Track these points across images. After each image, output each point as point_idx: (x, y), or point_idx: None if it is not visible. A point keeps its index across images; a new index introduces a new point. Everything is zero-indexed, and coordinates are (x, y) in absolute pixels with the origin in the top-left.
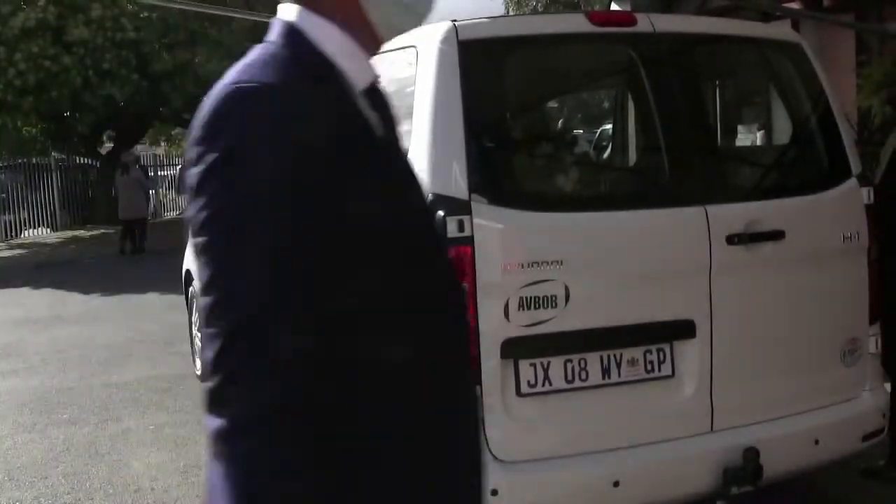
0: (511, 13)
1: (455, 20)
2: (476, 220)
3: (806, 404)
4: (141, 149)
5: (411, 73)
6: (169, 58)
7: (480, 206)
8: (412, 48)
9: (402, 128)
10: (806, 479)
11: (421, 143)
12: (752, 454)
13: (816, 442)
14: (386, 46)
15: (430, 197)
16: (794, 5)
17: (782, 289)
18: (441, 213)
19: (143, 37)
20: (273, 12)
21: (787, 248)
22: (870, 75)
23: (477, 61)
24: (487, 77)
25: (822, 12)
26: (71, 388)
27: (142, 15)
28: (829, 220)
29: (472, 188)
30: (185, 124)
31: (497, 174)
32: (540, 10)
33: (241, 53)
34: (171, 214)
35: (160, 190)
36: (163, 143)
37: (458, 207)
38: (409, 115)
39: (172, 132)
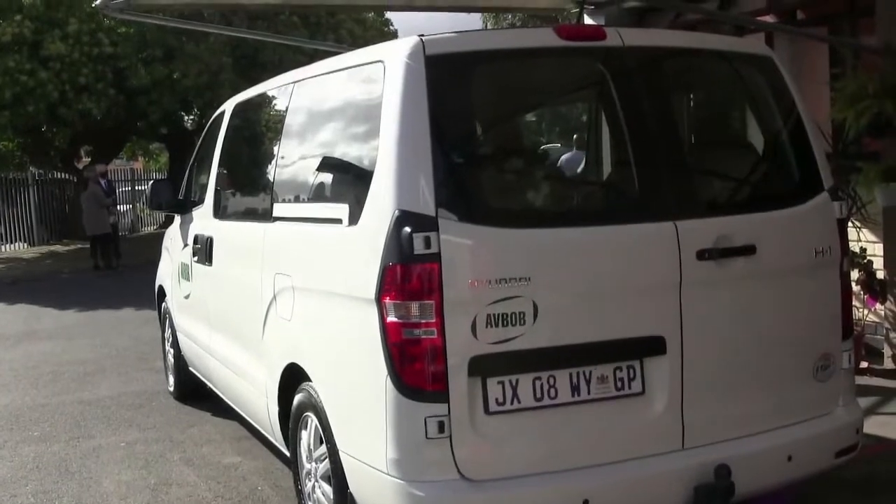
0: (489, 28)
1: (422, 35)
2: (443, 237)
3: (778, 420)
4: (119, 163)
5: (378, 88)
6: (146, 73)
7: (447, 223)
8: (379, 63)
9: (370, 144)
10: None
11: (388, 158)
12: (723, 471)
13: (789, 458)
14: (352, 61)
15: (396, 213)
16: (768, 19)
17: (753, 304)
18: (407, 229)
19: (120, 52)
20: (251, 27)
21: (759, 263)
22: (844, 88)
23: (444, 76)
24: (455, 92)
25: (795, 26)
26: (43, 405)
27: (119, 30)
28: (801, 235)
29: (439, 204)
30: (163, 139)
31: (464, 190)
32: (518, 25)
33: (219, 68)
34: (148, 229)
35: (137, 205)
36: (140, 158)
37: (425, 224)
38: (376, 130)
39: (150, 146)
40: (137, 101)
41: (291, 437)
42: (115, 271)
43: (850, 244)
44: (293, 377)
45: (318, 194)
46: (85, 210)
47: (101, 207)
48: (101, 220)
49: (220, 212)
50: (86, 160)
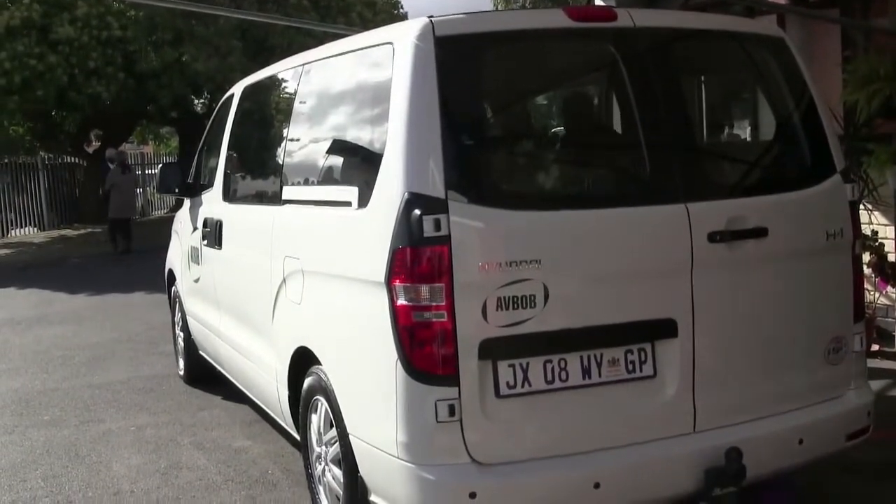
0: (500, 9)
1: (432, 16)
2: (453, 219)
3: (790, 403)
4: (129, 147)
5: (388, 70)
6: (156, 56)
7: (457, 205)
8: (388, 45)
9: (380, 126)
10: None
11: (397, 140)
12: (734, 454)
13: (800, 441)
14: (362, 43)
15: (406, 195)
16: (780, 0)
17: (765, 287)
18: (417, 211)
19: (129, 35)
20: (261, 10)
21: (770, 245)
22: (855, 70)
23: (454, 58)
24: (464, 74)
25: (807, 7)
26: (53, 390)
27: (128, 13)
28: (813, 217)
29: (449, 186)
30: (173, 123)
31: (474, 172)
32: (529, 6)
33: (228, 52)
34: (159, 213)
35: (148, 188)
36: (151, 142)
37: (435, 206)
38: (386, 112)
39: (161, 130)
40: (147, 84)
41: (301, 421)
42: (128, 255)
43: (862, 227)
44: (303, 360)
45: (328, 177)
46: (118, 192)
47: (135, 190)
48: (132, 203)
49: (229, 195)
50: (96, 144)
